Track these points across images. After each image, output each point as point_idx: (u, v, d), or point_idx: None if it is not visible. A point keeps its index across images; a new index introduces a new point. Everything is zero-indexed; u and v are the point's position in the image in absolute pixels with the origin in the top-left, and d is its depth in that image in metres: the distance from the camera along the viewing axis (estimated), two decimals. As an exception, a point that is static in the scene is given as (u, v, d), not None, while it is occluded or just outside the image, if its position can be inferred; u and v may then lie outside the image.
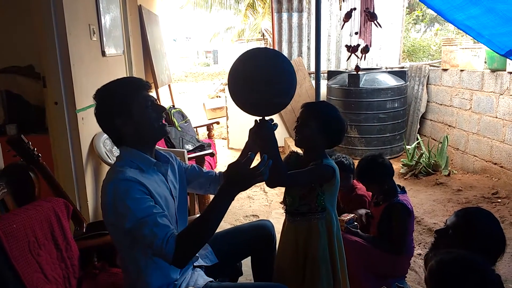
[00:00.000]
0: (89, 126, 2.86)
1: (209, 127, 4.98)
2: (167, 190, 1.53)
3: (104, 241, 1.92)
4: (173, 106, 4.89)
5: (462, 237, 1.36)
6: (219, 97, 11.30)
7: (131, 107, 1.42)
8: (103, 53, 3.21)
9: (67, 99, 2.58)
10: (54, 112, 2.57)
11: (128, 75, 4.12)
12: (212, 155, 3.67)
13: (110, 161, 2.94)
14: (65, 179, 2.60)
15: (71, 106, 2.60)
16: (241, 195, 4.15)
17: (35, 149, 1.93)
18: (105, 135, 3.04)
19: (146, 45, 4.83)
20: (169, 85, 6.04)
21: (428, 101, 5.38)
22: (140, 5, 4.80)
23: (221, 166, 5.09)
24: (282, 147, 5.93)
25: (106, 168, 3.16)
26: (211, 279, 1.64)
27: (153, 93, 5.10)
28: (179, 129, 4.33)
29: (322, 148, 1.76)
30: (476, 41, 3.42)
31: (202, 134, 5.86)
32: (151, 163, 1.49)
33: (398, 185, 2.28)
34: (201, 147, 4.17)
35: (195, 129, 4.90)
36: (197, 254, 1.70)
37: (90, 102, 2.90)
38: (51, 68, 2.51)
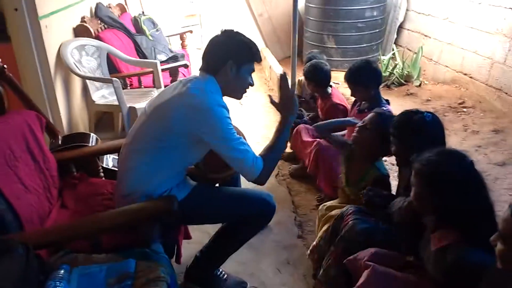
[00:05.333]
0: (54, 35, 2.72)
1: (182, 36, 4.79)
2: None
3: (81, 152, 1.96)
4: (143, 12, 4.61)
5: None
6: (192, 2, 10.62)
7: (243, 67, 1.60)
8: (62, -48, 2.92)
9: (27, 4, 2.41)
10: (14, 19, 2.42)
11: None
12: (186, 66, 3.60)
13: (79, 72, 2.86)
14: (34, 91, 2.54)
15: (32, 13, 2.44)
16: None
17: (0, 60, 1.85)
18: (73, 44, 2.93)
19: None
20: (137, -11, 5.63)
21: (407, 10, 5.26)
22: None
23: (196, 77, 5.00)
24: (258, 57, 5.82)
25: (76, 79, 3.07)
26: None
27: (120, -2, 4.73)
28: (150, 38, 4.15)
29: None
30: None
31: (175, 43, 5.64)
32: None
33: (385, 99, 2.34)
34: (175, 57, 4.05)
35: (167, 38, 4.71)
36: None
37: (53, 9, 2.72)
38: (5, -31, 2.29)
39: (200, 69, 1.66)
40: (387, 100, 2.35)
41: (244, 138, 1.67)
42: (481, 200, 1.24)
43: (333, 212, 1.91)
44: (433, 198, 1.27)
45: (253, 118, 3.91)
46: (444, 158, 1.28)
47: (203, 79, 1.61)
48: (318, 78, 2.74)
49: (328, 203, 2.05)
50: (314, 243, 1.93)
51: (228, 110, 1.56)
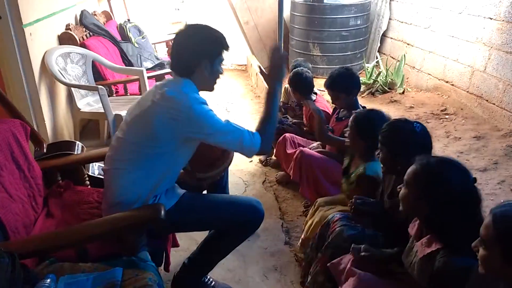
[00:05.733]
0: (38, 43, 2.70)
1: (168, 43, 4.80)
2: None
3: (66, 160, 1.94)
4: (128, 20, 4.62)
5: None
6: (178, 9, 10.63)
7: (215, 60, 1.59)
8: (47, -40, 2.92)
9: (11, 12, 2.40)
10: (-2, 27, 2.39)
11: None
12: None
13: (64, 79, 2.84)
14: (19, 99, 2.52)
15: (16, 21, 2.43)
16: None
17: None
18: (57, 51, 2.91)
19: (94, -50, 4.38)
20: (123, -4, 5.63)
21: (390, 19, 5.37)
22: None
23: (182, 84, 5.01)
24: (245, 65, 5.86)
25: (61, 87, 3.05)
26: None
27: (104, 5, 4.74)
28: (136, 45, 4.15)
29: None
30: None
31: (161, 51, 5.64)
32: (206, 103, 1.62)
33: (361, 105, 2.39)
34: (161, 65, 4.06)
35: (153, 45, 4.71)
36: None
37: (38, 16, 2.70)
38: (-11, -24, 2.28)
39: (172, 70, 1.65)
40: (364, 107, 2.40)
41: None
42: (473, 216, 1.21)
43: (321, 211, 1.97)
44: (424, 204, 1.25)
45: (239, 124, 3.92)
46: (447, 169, 1.27)
47: (178, 81, 1.60)
48: (301, 85, 2.79)
49: (327, 199, 2.10)
50: (303, 236, 1.96)
51: (207, 104, 1.57)
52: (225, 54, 1.63)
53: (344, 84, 2.33)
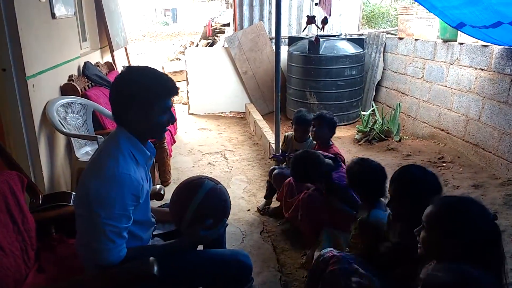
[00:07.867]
0: (40, 94, 2.75)
1: (168, 93, 4.89)
2: (147, 182, 1.57)
3: (61, 212, 1.92)
4: (130, 70, 4.73)
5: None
6: (179, 59, 10.97)
7: (152, 108, 1.44)
8: (53, 15, 3.05)
9: (15, 65, 2.46)
10: (2, 80, 2.45)
11: (81, 39, 3.93)
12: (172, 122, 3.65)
13: (64, 129, 2.87)
14: (18, 150, 2.53)
15: (20, 73, 2.49)
16: (202, 162, 4.19)
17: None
18: (58, 102, 2.96)
19: (99, 5, 4.58)
20: (125, 48, 5.82)
21: (384, 69, 5.54)
22: (91, -39, 4.51)
23: (182, 132, 5.07)
24: (243, 112, 5.96)
25: (61, 137, 3.08)
26: None
27: (108, 57, 4.87)
28: (137, 95, 4.22)
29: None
30: (430, 11, 3.53)
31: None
32: (147, 157, 1.54)
33: (332, 159, 2.45)
34: (160, 113, 4.11)
35: (153, 94, 4.79)
36: (155, 222, 1.76)
37: (41, 68, 2.78)
38: (-4, 32, 2.37)
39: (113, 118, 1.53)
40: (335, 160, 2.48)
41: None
42: (496, 253, 1.21)
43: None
44: (450, 245, 1.21)
45: (237, 172, 3.92)
46: (469, 206, 1.25)
47: (114, 135, 1.49)
48: (327, 125, 2.87)
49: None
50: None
51: (139, 184, 1.43)
52: (163, 101, 1.45)
53: (310, 173, 2.41)
